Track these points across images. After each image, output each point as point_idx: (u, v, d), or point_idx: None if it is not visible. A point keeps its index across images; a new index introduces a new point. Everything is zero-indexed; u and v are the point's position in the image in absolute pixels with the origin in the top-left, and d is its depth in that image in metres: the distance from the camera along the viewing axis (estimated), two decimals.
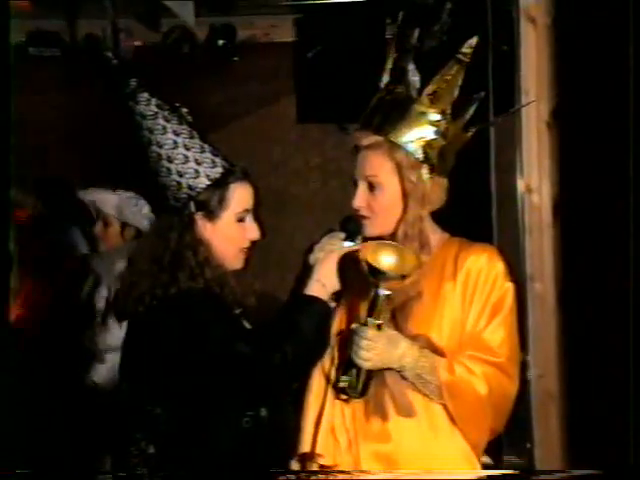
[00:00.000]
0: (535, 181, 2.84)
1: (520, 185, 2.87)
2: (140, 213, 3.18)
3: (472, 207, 3.03)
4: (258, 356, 1.74)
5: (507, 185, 2.98)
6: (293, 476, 1.80)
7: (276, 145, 4.42)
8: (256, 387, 1.77)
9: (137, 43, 3.82)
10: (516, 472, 1.89)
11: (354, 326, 1.78)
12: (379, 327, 1.75)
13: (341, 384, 1.79)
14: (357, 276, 1.81)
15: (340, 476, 1.79)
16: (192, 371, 1.75)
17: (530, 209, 2.84)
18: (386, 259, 1.72)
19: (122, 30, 3.62)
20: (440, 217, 1.94)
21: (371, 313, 1.76)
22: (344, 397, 1.81)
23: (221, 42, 3.92)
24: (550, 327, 2.79)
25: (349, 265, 1.84)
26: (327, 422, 1.86)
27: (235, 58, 4.00)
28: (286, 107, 4.17)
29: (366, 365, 1.76)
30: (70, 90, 3.95)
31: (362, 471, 1.80)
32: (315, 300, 1.80)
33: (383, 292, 1.73)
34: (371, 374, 1.79)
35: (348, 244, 1.85)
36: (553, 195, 2.83)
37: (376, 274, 1.71)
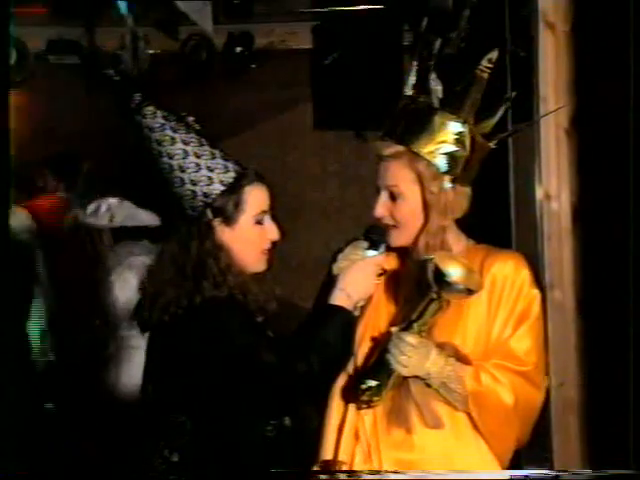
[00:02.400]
0: (554, 188, 2.82)
1: (539, 192, 2.85)
2: (128, 213, 3.20)
3: (491, 214, 3.02)
4: (283, 365, 1.74)
5: (526, 192, 2.97)
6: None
7: (293, 151, 4.44)
8: (280, 396, 1.77)
9: (155, 51, 3.85)
10: (545, 472, 1.89)
11: (395, 330, 1.77)
12: (420, 334, 1.75)
13: (365, 386, 1.78)
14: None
15: (364, 476, 1.79)
16: (217, 380, 1.75)
17: (549, 216, 2.83)
18: (455, 270, 1.71)
19: (140, 38, 3.65)
20: (458, 224, 1.94)
21: (418, 319, 1.75)
22: (365, 399, 1.79)
23: (239, 49, 3.94)
24: (570, 335, 2.77)
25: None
26: (350, 429, 1.86)
27: (252, 65, 4.03)
28: (303, 114, 4.18)
29: (403, 371, 1.75)
30: (89, 97, 3.98)
31: (387, 471, 1.80)
32: (340, 310, 1.80)
33: (441, 301, 1.72)
34: (396, 380, 1.79)
35: (372, 253, 1.86)
36: (572, 202, 2.82)
37: (442, 281, 1.69)
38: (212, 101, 4.01)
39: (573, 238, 2.81)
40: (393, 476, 1.78)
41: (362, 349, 1.88)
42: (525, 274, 1.85)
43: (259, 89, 4.22)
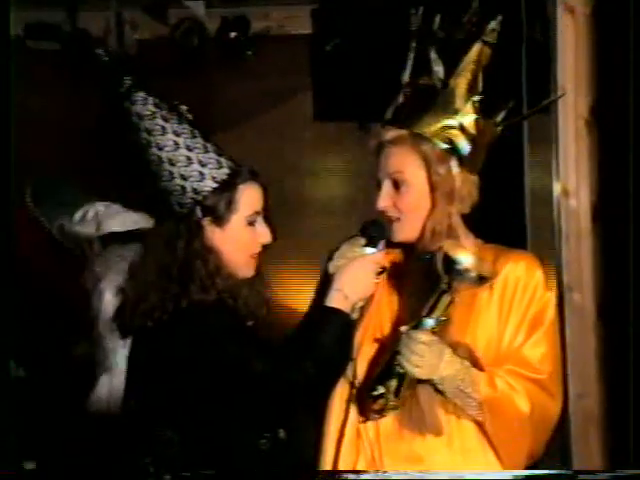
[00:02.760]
0: (572, 184, 2.82)
1: (556, 188, 2.85)
2: (116, 218, 3.16)
3: (504, 212, 2.99)
4: (276, 374, 1.72)
5: (542, 188, 2.95)
6: None
7: (291, 144, 4.40)
8: (274, 407, 1.75)
9: (142, 36, 3.81)
10: (562, 472, 1.88)
11: (405, 328, 1.74)
12: (434, 332, 1.73)
13: (376, 393, 1.76)
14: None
15: (363, 476, 1.78)
16: (205, 390, 1.73)
17: (567, 214, 2.82)
18: (465, 257, 1.69)
19: (127, 22, 3.61)
20: (469, 222, 1.92)
21: (430, 315, 1.73)
22: (377, 407, 1.77)
23: (233, 35, 3.90)
24: (590, 342, 2.76)
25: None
26: (350, 441, 1.85)
27: (248, 52, 3.99)
28: (302, 104, 4.14)
29: (416, 372, 1.73)
30: (71, 87, 3.94)
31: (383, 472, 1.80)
32: (336, 312, 1.78)
33: (452, 293, 1.70)
34: (409, 384, 1.76)
35: (370, 250, 1.83)
36: (592, 199, 2.81)
37: (453, 270, 1.68)
38: (204, 90, 3.97)
39: (593, 237, 2.80)
40: (395, 476, 1.78)
41: (363, 354, 1.86)
42: (539, 276, 1.84)
43: (255, 77, 4.18)
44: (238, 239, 1.84)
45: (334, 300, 1.79)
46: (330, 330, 1.76)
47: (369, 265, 1.82)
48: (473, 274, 1.69)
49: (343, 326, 1.78)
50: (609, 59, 2.75)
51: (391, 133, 1.84)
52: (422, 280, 1.79)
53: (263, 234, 1.87)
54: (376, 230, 1.85)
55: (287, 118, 4.34)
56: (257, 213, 1.86)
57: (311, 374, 1.72)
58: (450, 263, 1.68)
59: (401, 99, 1.88)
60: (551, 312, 1.84)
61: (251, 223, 1.85)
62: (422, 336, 1.71)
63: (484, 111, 1.85)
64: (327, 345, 1.75)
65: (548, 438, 1.86)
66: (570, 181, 2.82)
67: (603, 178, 2.80)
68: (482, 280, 1.71)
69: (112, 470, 2.25)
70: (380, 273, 1.83)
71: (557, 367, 1.85)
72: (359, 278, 1.81)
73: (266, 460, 1.78)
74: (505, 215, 3.01)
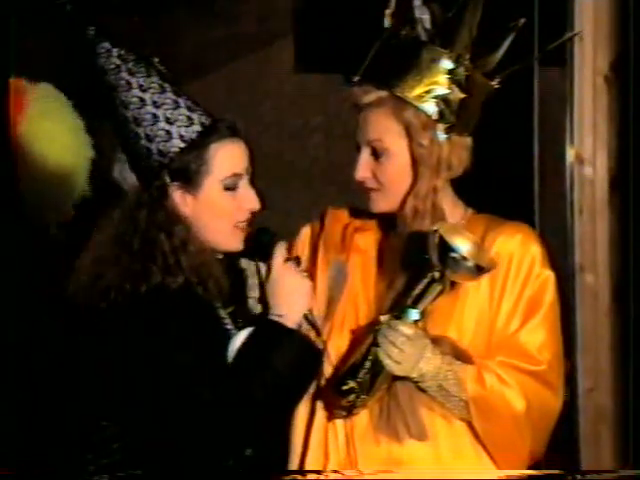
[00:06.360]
0: (588, 149, 2.83)
1: (570, 154, 2.85)
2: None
3: (509, 181, 3.02)
4: (223, 404, 1.72)
5: (553, 154, 2.96)
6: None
7: (268, 100, 4.40)
8: (234, 430, 1.75)
9: None
10: (560, 472, 1.92)
11: (385, 318, 1.76)
12: (416, 323, 1.75)
13: (346, 387, 1.77)
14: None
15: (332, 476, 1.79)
16: (152, 397, 1.73)
17: (581, 184, 2.83)
18: (463, 244, 1.71)
19: None
20: (468, 192, 1.94)
21: (416, 304, 1.75)
22: (346, 404, 1.79)
23: None
24: (603, 329, 2.78)
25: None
26: (317, 442, 1.87)
27: None
28: (281, 53, 4.14)
29: (394, 368, 1.75)
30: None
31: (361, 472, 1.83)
32: (287, 332, 1.80)
33: (444, 282, 1.72)
34: (384, 380, 1.78)
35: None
36: (610, 167, 2.82)
37: (448, 258, 1.69)
38: (169, 36, 3.96)
39: (610, 211, 2.81)
40: (378, 477, 1.81)
41: (334, 344, 1.88)
42: (535, 250, 1.85)
43: (227, 21, 4.17)
44: (214, 207, 1.83)
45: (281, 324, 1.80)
46: (283, 352, 1.78)
47: (289, 273, 1.83)
48: (470, 264, 1.70)
49: (299, 349, 1.80)
50: (636, 5, 2.76)
51: (369, 95, 1.84)
52: (406, 262, 1.82)
53: (248, 199, 1.85)
54: (267, 237, 1.88)
55: (263, 69, 4.33)
56: (236, 175, 1.84)
57: (259, 401, 1.73)
58: (445, 249, 1.70)
59: (380, 52, 1.87)
60: (550, 293, 1.85)
61: (229, 188, 1.84)
62: (405, 328, 1.73)
63: (478, 63, 1.84)
64: (280, 368, 1.77)
65: (548, 437, 1.89)
66: (585, 146, 2.83)
67: (623, 143, 2.82)
68: (480, 271, 1.72)
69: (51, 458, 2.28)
70: (298, 263, 1.86)
71: (557, 356, 1.86)
72: (291, 293, 1.82)
73: (231, 476, 1.80)
74: (510, 185, 3.03)
